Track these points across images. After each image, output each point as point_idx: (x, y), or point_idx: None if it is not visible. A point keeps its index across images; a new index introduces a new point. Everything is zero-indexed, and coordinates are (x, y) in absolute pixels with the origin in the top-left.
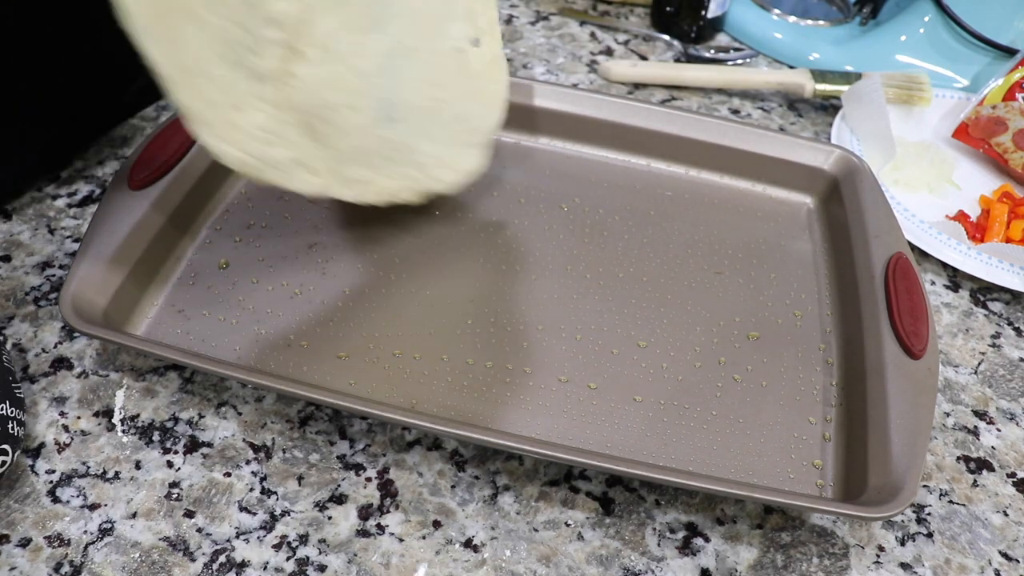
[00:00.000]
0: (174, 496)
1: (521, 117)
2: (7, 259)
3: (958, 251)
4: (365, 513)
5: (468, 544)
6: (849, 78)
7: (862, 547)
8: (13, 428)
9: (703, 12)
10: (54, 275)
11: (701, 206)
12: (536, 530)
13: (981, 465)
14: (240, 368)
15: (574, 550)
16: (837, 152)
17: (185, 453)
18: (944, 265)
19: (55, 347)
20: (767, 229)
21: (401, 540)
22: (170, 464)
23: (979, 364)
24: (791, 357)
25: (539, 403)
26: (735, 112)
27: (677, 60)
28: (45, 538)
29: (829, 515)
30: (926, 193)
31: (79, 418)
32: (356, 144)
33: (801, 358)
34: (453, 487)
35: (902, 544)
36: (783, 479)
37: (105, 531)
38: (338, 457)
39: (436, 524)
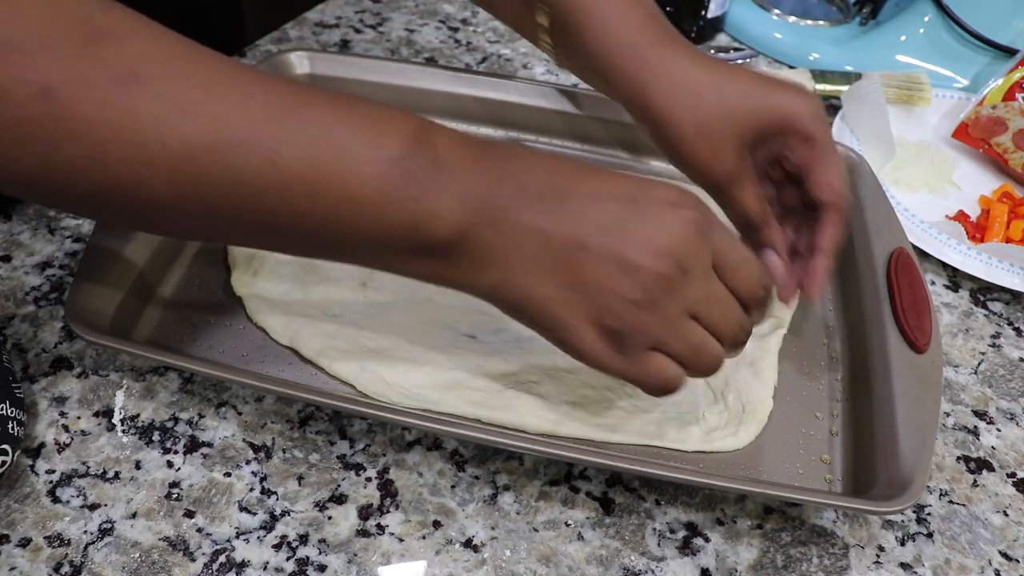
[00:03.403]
0: (174, 496)
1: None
2: (7, 259)
3: (958, 251)
4: (365, 513)
5: (468, 544)
6: (849, 78)
7: (862, 547)
8: (13, 428)
9: (703, 12)
10: (54, 275)
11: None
12: (536, 530)
13: (981, 465)
14: (242, 372)
15: (574, 550)
16: None
17: (185, 453)
18: (944, 265)
19: (55, 347)
20: None
21: (401, 540)
22: (170, 464)
23: (979, 364)
24: (795, 353)
25: None
26: None
27: None
28: (45, 538)
29: (846, 510)
30: (926, 193)
31: (79, 418)
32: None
33: (805, 353)
34: (453, 487)
35: (902, 544)
36: (792, 475)
37: (105, 531)
38: (338, 457)
39: (436, 524)
